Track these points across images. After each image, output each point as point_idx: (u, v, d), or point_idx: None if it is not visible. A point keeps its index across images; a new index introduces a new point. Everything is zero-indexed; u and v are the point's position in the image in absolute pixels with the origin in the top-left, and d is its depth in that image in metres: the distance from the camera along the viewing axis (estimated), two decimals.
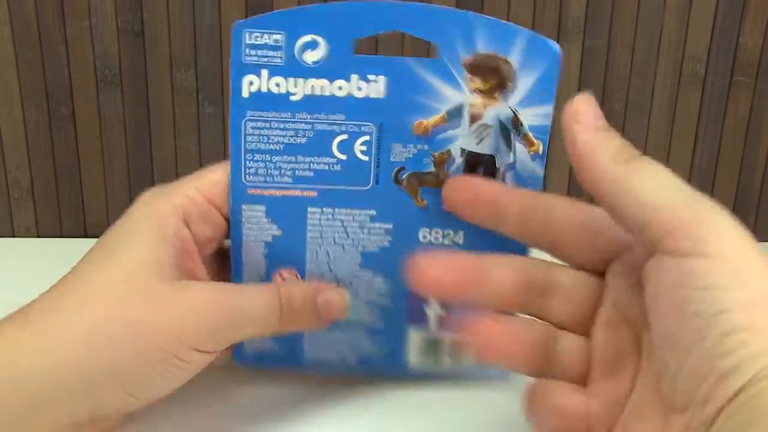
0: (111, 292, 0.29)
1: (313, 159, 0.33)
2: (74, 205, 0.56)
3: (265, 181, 0.33)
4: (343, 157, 0.33)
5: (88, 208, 0.57)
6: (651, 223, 0.22)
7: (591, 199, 0.28)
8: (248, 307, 0.31)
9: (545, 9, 0.53)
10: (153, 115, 0.55)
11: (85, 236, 0.57)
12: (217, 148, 0.56)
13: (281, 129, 0.33)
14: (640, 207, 0.22)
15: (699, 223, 0.21)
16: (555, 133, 0.57)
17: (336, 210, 0.34)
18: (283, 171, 0.33)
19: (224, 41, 0.53)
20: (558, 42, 0.34)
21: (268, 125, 0.33)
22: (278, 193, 0.33)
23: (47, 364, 0.27)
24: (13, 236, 0.57)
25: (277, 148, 0.33)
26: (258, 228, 0.34)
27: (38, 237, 0.57)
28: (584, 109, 0.25)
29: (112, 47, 0.53)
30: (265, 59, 0.32)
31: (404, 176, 0.34)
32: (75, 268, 0.31)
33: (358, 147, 0.33)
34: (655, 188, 0.22)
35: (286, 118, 0.33)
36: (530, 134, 0.34)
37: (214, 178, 0.33)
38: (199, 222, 0.33)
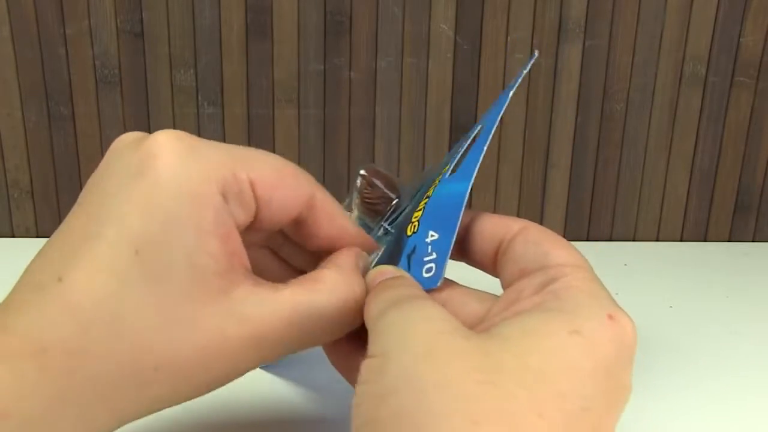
0: (146, 324, 0.23)
1: None
2: (74, 205, 0.56)
3: None
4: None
5: None
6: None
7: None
8: (309, 337, 0.26)
9: (545, 9, 0.53)
10: (153, 115, 0.55)
11: None
12: None
13: None
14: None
15: (377, 332, 0.24)
16: (554, 131, 0.57)
17: None
18: None
19: (224, 41, 0.53)
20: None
21: None
22: None
23: (72, 415, 0.23)
24: (13, 236, 0.57)
25: None
26: None
27: (38, 237, 0.57)
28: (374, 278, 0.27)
29: (112, 47, 0.53)
30: None
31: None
32: (83, 257, 0.23)
33: None
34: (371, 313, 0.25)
35: None
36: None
37: (268, 167, 0.27)
38: (235, 203, 0.25)
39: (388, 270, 0.28)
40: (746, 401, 0.39)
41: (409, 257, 0.27)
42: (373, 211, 0.33)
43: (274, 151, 0.58)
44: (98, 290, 0.23)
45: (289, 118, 0.55)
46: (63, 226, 0.26)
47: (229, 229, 0.25)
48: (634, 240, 0.60)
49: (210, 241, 0.24)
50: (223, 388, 0.26)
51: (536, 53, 0.32)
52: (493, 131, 0.28)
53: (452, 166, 0.30)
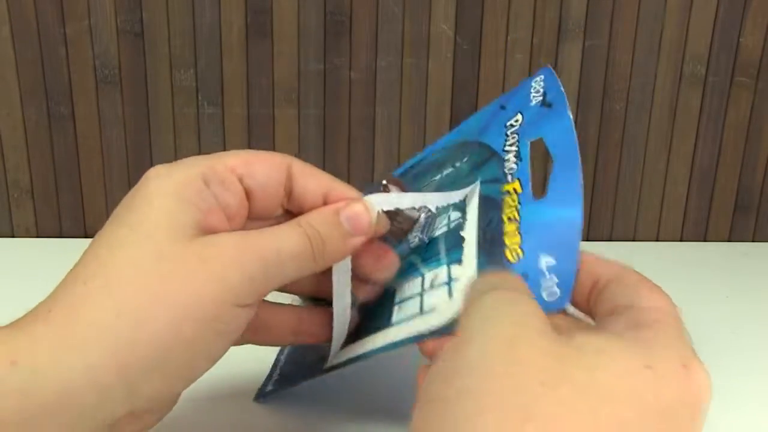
0: (138, 267, 0.27)
1: None
2: (74, 205, 0.56)
3: None
4: None
5: (88, 208, 0.57)
6: None
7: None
8: (279, 247, 0.29)
9: (545, 9, 0.53)
10: (153, 115, 0.55)
11: (85, 236, 0.57)
12: (216, 148, 0.55)
13: None
14: None
15: (467, 313, 0.25)
16: None
17: None
18: None
19: (224, 41, 0.53)
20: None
21: None
22: None
23: (78, 364, 0.25)
24: (13, 236, 0.57)
25: None
26: None
27: (38, 237, 0.57)
28: None
29: (112, 47, 0.53)
30: None
31: None
32: (93, 250, 0.28)
33: None
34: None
35: None
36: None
37: (240, 153, 0.31)
38: (219, 188, 0.30)
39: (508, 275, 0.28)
40: (747, 401, 0.39)
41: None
42: (392, 220, 0.34)
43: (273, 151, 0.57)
44: (99, 260, 0.27)
45: (289, 118, 0.55)
46: None
47: (210, 206, 0.29)
48: (634, 240, 0.60)
49: (189, 207, 0.28)
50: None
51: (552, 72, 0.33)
52: (578, 152, 0.29)
53: (528, 188, 0.30)
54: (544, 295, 0.27)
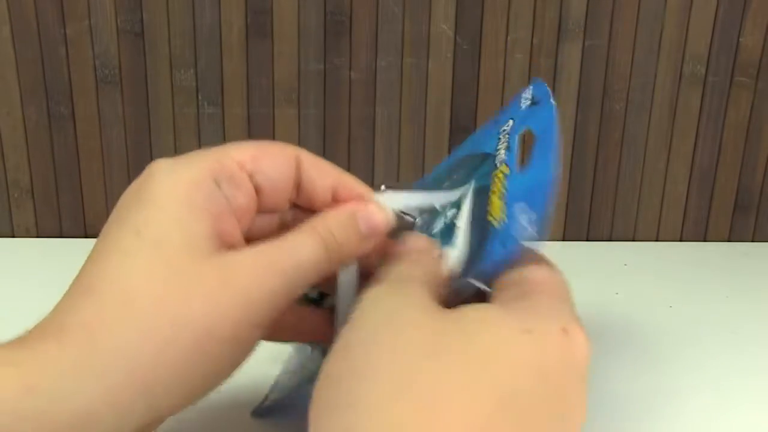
0: (153, 282, 0.26)
1: None
2: (74, 205, 0.56)
3: None
4: None
5: (88, 208, 0.57)
6: None
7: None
8: (296, 260, 0.28)
9: (545, 9, 0.53)
10: (153, 115, 0.55)
11: (85, 236, 0.57)
12: None
13: None
14: None
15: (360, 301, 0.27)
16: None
17: None
18: None
19: (224, 41, 0.53)
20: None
21: None
22: None
23: (99, 387, 0.24)
24: (13, 236, 0.57)
25: None
26: None
27: (38, 237, 0.57)
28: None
29: (112, 47, 0.53)
30: None
31: None
32: (101, 255, 0.27)
33: None
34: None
35: None
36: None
37: (247, 147, 0.30)
38: (228, 186, 0.29)
39: (419, 242, 0.31)
40: (746, 401, 0.39)
41: (503, 240, 0.30)
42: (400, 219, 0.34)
43: None
44: (108, 270, 0.26)
45: (289, 118, 0.55)
46: None
47: (222, 209, 0.28)
48: (633, 240, 0.60)
49: (202, 214, 0.27)
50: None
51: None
52: (555, 127, 0.32)
53: (515, 168, 0.32)
54: (526, 243, 0.29)
